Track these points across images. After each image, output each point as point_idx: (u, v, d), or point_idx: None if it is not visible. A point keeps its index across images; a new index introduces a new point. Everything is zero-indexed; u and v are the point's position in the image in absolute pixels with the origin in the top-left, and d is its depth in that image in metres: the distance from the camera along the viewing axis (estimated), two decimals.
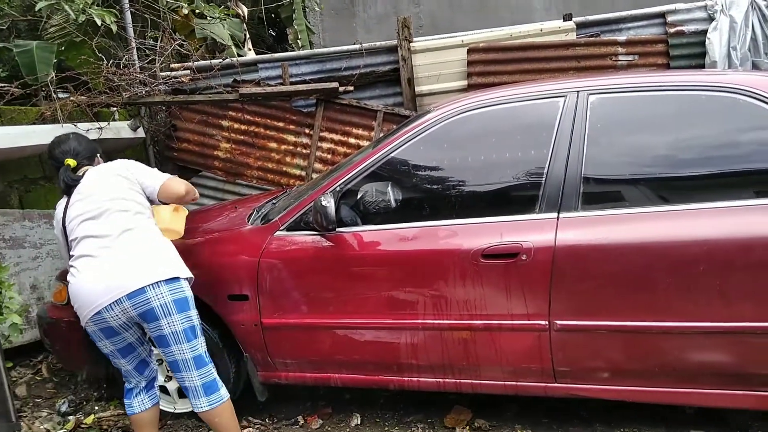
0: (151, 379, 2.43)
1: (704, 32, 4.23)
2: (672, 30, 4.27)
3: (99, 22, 3.90)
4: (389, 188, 2.30)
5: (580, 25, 4.36)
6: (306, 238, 2.48)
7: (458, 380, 2.43)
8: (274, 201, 3.08)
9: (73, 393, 3.28)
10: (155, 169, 2.50)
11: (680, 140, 2.23)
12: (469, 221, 2.33)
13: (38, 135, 3.43)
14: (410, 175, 2.47)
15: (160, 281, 2.14)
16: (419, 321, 2.36)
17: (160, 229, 2.38)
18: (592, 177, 2.23)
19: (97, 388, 3.27)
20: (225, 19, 5.37)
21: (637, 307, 2.15)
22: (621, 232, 2.15)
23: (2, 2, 4.63)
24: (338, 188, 2.46)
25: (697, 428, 2.46)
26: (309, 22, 6.93)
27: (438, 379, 2.45)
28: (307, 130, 4.57)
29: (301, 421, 2.81)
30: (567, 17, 4.46)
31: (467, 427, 2.63)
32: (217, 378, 2.31)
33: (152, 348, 2.45)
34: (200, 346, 2.26)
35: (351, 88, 4.38)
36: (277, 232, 2.53)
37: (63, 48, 4.68)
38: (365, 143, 4.28)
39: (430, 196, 2.47)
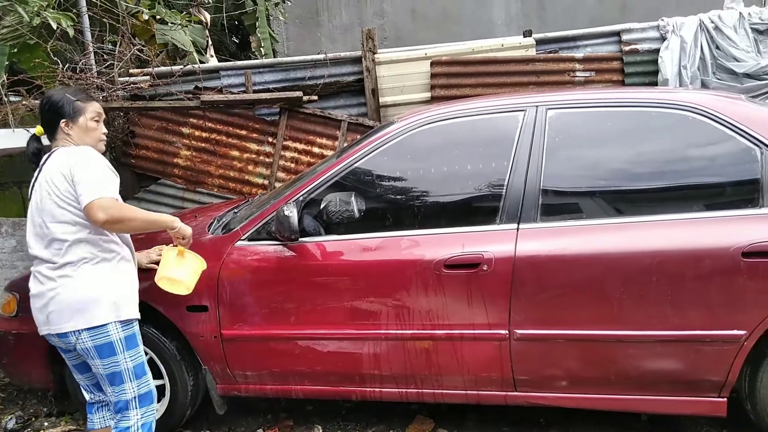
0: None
1: (657, 51, 4.41)
2: (627, 48, 4.44)
3: (55, 26, 3.79)
4: (353, 198, 2.31)
5: (539, 42, 4.48)
6: (268, 248, 2.45)
7: (420, 390, 2.44)
8: (235, 210, 3.04)
9: (21, 409, 3.15)
10: (102, 176, 2.02)
11: (634, 155, 2.32)
12: (432, 232, 2.35)
13: None
14: (374, 185, 2.48)
15: (80, 329, 2.04)
16: (382, 331, 2.36)
17: (161, 277, 2.21)
18: (551, 189, 2.29)
19: (47, 403, 3.14)
20: (187, 26, 5.29)
21: (594, 316, 2.20)
22: (578, 244, 2.21)
23: None
24: (301, 198, 2.45)
25: None
26: (273, 31, 6.90)
27: (401, 389, 2.46)
28: (270, 139, 4.54)
29: None
30: (527, 33, 4.58)
31: None
32: (135, 427, 2.14)
33: None
34: (127, 391, 2.10)
35: (315, 97, 4.38)
36: (239, 242, 2.50)
37: (15, 50, 4.52)
38: (329, 153, 4.28)
39: (394, 207, 2.48)
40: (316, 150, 4.49)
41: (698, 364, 2.17)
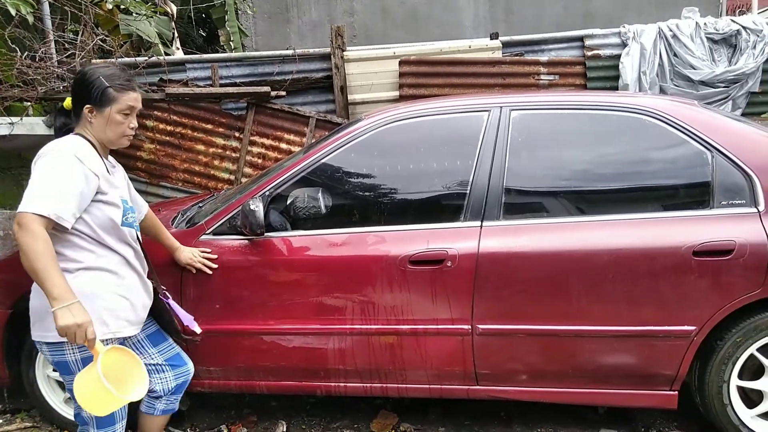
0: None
1: (618, 57, 4.55)
2: (589, 53, 4.57)
3: (14, 12, 3.68)
4: (320, 194, 2.32)
5: (506, 44, 4.57)
6: (233, 242, 2.44)
7: (385, 384, 2.46)
8: (200, 204, 3.01)
9: None
10: (50, 189, 1.73)
11: (594, 156, 2.39)
12: (398, 228, 2.38)
13: None
14: (341, 181, 2.50)
15: (39, 341, 1.91)
16: (347, 326, 2.38)
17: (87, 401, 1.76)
18: (514, 188, 2.34)
19: (1, 400, 3.05)
20: (152, 17, 5.20)
21: (553, 311, 2.27)
22: (539, 241, 2.27)
23: None
24: (268, 192, 2.44)
25: (607, 427, 2.61)
26: (242, 25, 6.83)
27: (365, 384, 2.48)
28: (237, 134, 4.50)
29: (225, 430, 2.74)
30: (494, 36, 4.66)
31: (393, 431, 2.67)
32: None
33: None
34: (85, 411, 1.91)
35: (283, 93, 4.37)
36: (203, 236, 2.48)
37: None
38: (297, 149, 4.27)
39: (360, 203, 2.50)
40: (283, 146, 4.48)
41: (652, 359, 2.26)
